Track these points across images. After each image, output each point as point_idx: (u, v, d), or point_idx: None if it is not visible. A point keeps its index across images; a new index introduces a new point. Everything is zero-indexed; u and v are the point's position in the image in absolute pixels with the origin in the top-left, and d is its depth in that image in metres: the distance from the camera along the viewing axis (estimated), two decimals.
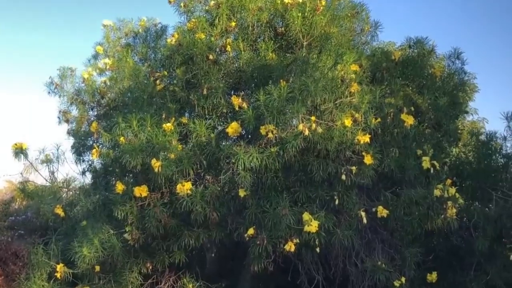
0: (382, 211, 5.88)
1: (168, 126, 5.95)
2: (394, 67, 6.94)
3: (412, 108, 6.46)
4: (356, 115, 5.78)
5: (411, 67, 7.07)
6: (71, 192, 7.74)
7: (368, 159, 5.71)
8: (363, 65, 6.34)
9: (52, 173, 7.43)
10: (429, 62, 7.29)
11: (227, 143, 6.11)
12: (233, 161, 5.66)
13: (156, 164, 5.70)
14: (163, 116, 6.25)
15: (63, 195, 7.76)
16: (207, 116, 6.44)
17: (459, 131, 7.78)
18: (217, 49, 6.74)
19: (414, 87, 7.05)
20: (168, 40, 6.97)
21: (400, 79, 6.83)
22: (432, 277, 6.26)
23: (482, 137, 7.51)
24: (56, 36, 34.11)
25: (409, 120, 6.06)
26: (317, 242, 5.69)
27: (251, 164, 5.58)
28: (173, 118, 6.17)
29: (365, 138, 5.66)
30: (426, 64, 7.17)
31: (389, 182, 6.41)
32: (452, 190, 5.86)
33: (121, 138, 5.89)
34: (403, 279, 5.94)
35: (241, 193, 5.87)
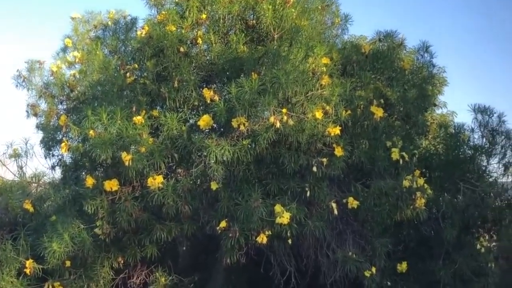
0: (352, 202, 5.95)
1: (138, 119, 5.89)
2: (364, 60, 7.00)
3: (382, 101, 6.56)
4: (327, 107, 5.83)
5: (381, 60, 7.13)
6: (40, 187, 7.63)
7: (338, 151, 5.77)
8: (334, 58, 6.38)
9: (21, 167, 7.33)
10: (399, 55, 7.36)
11: (199, 136, 6.06)
12: (205, 154, 5.67)
13: (126, 157, 5.65)
14: (134, 109, 6.17)
15: (32, 190, 7.65)
16: (178, 109, 6.40)
17: (428, 123, 7.91)
18: (188, 42, 6.69)
19: (384, 80, 7.12)
20: (138, 33, 6.87)
21: (370, 72, 6.88)
22: (402, 267, 6.37)
23: (451, 130, 7.62)
24: (23, 28, 33.32)
25: (378, 113, 6.13)
26: (289, 234, 5.73)
27: (223, 157, 5.58)
28: (144, 111, 6.10)
29: (335, 130, 5.72)
30: (395, 57, 7.24)
31: (360, 173, 6.48)
32: (421, 181, 5.94)
33: (91, 132, 5.79)
34: (373, 269, 6.00)
35: (213, 186, 5.87)
